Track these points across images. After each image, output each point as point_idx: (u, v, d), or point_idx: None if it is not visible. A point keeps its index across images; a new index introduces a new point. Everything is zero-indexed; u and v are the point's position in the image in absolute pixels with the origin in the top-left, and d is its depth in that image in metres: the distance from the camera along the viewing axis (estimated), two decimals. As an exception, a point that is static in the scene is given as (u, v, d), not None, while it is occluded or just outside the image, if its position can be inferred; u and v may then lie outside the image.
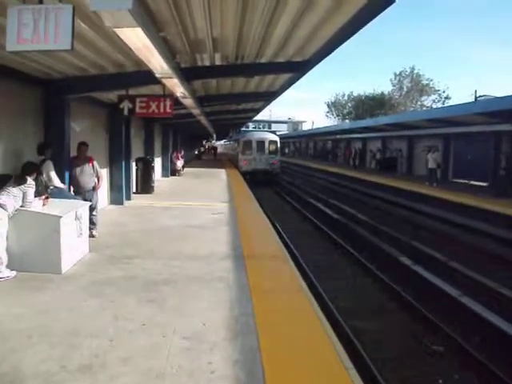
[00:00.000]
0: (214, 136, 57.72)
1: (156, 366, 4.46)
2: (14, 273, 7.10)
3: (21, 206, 7.27)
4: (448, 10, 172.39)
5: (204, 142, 73.54)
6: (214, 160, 53.99)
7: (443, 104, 62.28)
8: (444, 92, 65.60)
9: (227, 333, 5.29)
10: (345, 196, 26.33)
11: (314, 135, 64.50)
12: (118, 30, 5.15)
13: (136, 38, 5.63)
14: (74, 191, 10.21)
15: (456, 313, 8.59)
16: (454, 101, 64.74)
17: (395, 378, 6.39)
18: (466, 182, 27.14)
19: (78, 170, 10.27)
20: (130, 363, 4.50)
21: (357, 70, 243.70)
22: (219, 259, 8.66)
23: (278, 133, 55.70)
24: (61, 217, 7.41)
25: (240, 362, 4.60)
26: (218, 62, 10.67)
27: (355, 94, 78.87)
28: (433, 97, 66.66)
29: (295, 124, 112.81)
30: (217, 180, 26.55)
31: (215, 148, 69.16)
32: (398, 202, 22.41)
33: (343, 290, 10.08)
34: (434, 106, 61.93)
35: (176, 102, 11.93)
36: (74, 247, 8.01)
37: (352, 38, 8.62)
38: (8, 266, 7.07)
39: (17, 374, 4.22)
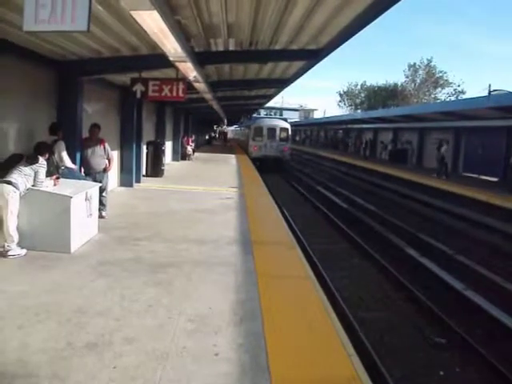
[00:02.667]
0: (225, 121, 57.68)
1: (161, 346, 4.52)
2: (24, 251, 7.20)
3: (32, 186, 7.35)
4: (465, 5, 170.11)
5: (215, 127, 73.37)
6: (225, 146, 53.94)
7: (457, 98, 61.70)
8: (459, 86, 64.98)
9: (232, 317, 5.35)
10: (354, 186, 26.28)
11: (326, 124, 64.37)
12: (133, 13, 5.17)
13: (151, 21, 5.64)
14: (84, 172, 10.27)
15: (460, 306, 8.62)
16: (469, 95, 64.05)
17: (396, 368, 6.44)
18: (476, 176, 27.01)
19: (89, 151, 10.33)
20: (135, 343, 4.57)
21: (371, 60, 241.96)
22: (226, 244, 8.72)
23: (289, 120, 55.53)
24: (71, 197, 7.48)
25: (244, 345, 4.66)
26: (231, 48, 10.64)
27: (368, 83, 78.52)
28: (447, 90, 66.13)
29: (306, 112, 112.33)
30: (227, 165, 26.59)
31: (225, 133, 68.74)
32: (408, 195, 22.35)
33: (347, 277, 10.14)
34: (448, 100, 61.45)
35: (188, 87, 11.94)
36: (83, 227, 8.09)
37: (367, 28, 8.63)
38: (18, 244, 7.16)
39: (25, 350, 4.30)
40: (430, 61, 66.38)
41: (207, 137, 60.37)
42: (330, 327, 5.29)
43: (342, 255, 11.98)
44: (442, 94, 66.38)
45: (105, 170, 10.56)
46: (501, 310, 8.07)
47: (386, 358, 6.63)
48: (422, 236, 13.59)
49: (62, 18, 4.19)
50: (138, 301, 5.68)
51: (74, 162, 9.64)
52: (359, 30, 8.85)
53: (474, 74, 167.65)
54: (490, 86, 24.43)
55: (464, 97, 60.42)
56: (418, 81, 67.79)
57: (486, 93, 24.38)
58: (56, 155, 8.92)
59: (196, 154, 32.46)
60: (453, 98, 62.71)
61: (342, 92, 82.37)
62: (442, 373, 6.45)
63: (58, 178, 8.12)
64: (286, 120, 45.76)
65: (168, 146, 24.59)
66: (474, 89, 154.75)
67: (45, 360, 4.14)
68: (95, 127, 10.50)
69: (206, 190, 15.81)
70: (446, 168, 26.55)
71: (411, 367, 6.57)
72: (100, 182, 9.96)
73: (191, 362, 4.29)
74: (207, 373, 4.11)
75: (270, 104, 53.28)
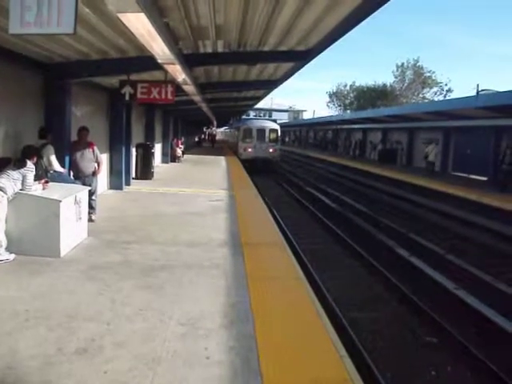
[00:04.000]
0: (215, 123, 57.59)
1: (152, 350, 4.50)
2: (12, 256, 7.13)
3: (20, 190, 7.29)
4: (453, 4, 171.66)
5: (204, 129, 73.03)
6: (213, 147, 53.81)
7: (445, 97, 62.13)
8: (446, 85, 65.37)
9: (223, 319, 5.33)
10: (343, 186, 26.36)
11: (315, 125, 64.48)
12: (121, 15, 5.14)
13: (139, 24, 5.61)
14: (73, 176, 10.21)
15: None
16: (457, 94, 64.53)
17: (388, 368, 6.44)
18: (466, 175, 27.17)
19: (78, 154, 10.26)
20: (126, 347, 4.54)
21: (359, 61, 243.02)
22: (217, 246, 8.70)
23: (278, 121, 55.57)
24: (60, 201, 7.42)
25: (235, 348, 4.64)
26: (220, 49, 10.63)
27: (357, 84, 78.73)
28: (435, 89, 66.48)
29: (296, 113, 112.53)
30: (216, 167, 26.57)
31: (213, 135, 67.84)
32: (397, 194, 22.45)
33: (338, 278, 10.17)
34: (436, 99, 61.79)
35: (177, 89, 11.90)
36: (72, 231, 8.03)
37: (355, 29, 8.63)
38: (7, 249, 7.10)
39: (14, 356, 4.26)
40: (416, 61, 66.78)
41: (196, 139, 60.19)
42: (322, 328, 5.28)
43: (333, 256, 12.01)
44: (430, 94, 66.80)
45: (94, 174, 10.49)
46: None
47: (377, 358, 6.63)
48: (411, 236, 13.66)
49: (48, 21, 4.14)
50: (128, 305, 5.65)
51: (62, 165, 9.57)
52: (348, 31, 8.85)
53: (461, 73, 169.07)
54: (478, 85, 24.59)
55: (451, 95, 61.03)
56: (407, 81, 68.09)
57: (473, 92, 24.56)
58: (45, 159, 8.85)
59: (185, 156, 32.41)
60: (441, 97, 63.13)
61: (331, 93, 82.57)
62: (433, 373, 6.46)
63: (46, 181, 8.06)
64: (275, 121, 45.80)
65: (157, 149, 24.54)
66: (461, 88, 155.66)
67: (34, 366, 4.10)
68: (84, 130, 10.44)
69: (195, 192, 15.77)
70: (430, 166, 27.57)
71: (403, 367, 6.58)
72: (89, 185, 9.90)
73: (182, 365, 4.26)
74: (199, 376, 4.09)
75: (259, 105, 53.35)
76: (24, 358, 4.24)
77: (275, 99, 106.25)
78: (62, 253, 7.53)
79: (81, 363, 4.20)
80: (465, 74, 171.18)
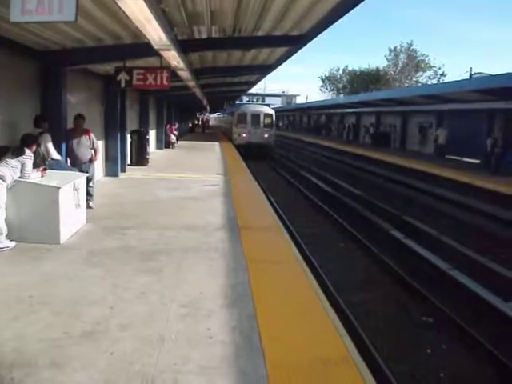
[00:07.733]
0: (208, 109, 57.33)
1: (156, 331, 4.60)
2: (13, 243, 7.19)
3: (19, 178, 7.34)
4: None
5: (198, 115, 72.47)
6: (203, 133, 53.57)
7: (438, 81, 62.12)
8: (440, 69, 65.35)
9: (224, 301, 5.44)
10: (336, 169, 26.47)
11: (308, 109, 64.39)
12: (119, 1, 5.15)
13: (137, 9, 5.62)
14: (70, 163, 10.23)
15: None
16: (450, 78, 64.43)
17: (385, 347, 6.56)
18: (459, 158, 27.30)
19: (74, 142, 10.29)
20: (130, 329, 4.64)
21: (352, 45, 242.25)
22: (214, 230, 8.80)
23: (271, 106, 55.39)
24: (60, 188, 7.47)
25: (237, 328, 4.75)
26: (215, 35, 10.65)
27: (350, 68, 78.56)
28: (428, 73, 66.44)
29: (289, 97, 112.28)
30: (211, 153, 26.58)
31: (204, 121, 66.70)
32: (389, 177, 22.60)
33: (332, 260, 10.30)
34: (429, 83, 61.75)
35: (172, 75, 11.92)
36: (72, 218, 8.09)
37: (348, 14, 8.67)
38: (7, 237, 7.15)
39: (22, 340, 4.34)
40: (410, 44, 66.64)
41: (190, 125, 59.90)
42: (320, 309, 5.40)
43: (328, 238, 12.13)
44: (424, 78, 66.74)
45: (91, 161, 10.53)
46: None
47: (373, 337, 6.76)
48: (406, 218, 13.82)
49: (49, 8, 4.18)
50: (130, 288, 5.74)
51: (59, 153, 9.60)
52: (342, 16, 8.90)
53: (455, 58, 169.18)
54: (471, 69, 24.74)
55: (445, 79, 61.02)
56: (400, 64, 67.98)
57: (467, 76, 24.62)
58: (42, 147, 8.88)
59: (180, 141, 32.38)
60: (434, 81, 63.09)
61: (324, 77, 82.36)
62: (429, 351, 6.60)
63: (45, 169, 8.10)
64: (268, 106, 45.68)
65: (152, 135, 24.53)
66: (454, 73, 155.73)
67: (42, 349, 4.19)
68: (80, 118, 10.45)
69: (191, 177, 15.84)
70: (440, 149, 28.21)
71: (399, 346, 6.71)
72: (86, 172, 9.92)
73: (186, 345, 4.37)
74: (202, 355, 4.20)
75: (253, 90, 53.20)
76: (32, 341, 4.32)
77: (268, 84, 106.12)
78: (62, 239, 7.59)
79: (87, 345, 4.30)
80: (458, 59, 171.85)
